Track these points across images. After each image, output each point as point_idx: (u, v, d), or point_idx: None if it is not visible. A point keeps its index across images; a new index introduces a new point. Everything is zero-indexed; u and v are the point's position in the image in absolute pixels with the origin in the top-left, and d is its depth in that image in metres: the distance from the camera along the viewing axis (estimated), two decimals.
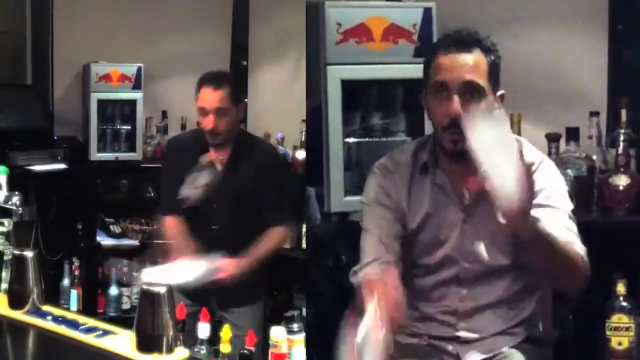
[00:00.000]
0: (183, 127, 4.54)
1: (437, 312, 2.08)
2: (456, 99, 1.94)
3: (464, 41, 1.99)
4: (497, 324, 2.06)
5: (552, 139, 2.83)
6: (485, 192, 1.81)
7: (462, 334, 2.06)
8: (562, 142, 2.86)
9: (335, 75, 3.00)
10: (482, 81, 1.95)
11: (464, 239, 2.03)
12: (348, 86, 3.02)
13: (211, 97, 2.94)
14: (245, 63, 4.82)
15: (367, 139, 3.11)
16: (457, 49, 1.98)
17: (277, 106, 4.57)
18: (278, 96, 4.60)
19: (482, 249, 2.02)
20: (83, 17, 4.55)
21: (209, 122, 2.93)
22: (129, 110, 4.64)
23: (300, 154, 4.05)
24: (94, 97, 4.51)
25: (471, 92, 1.94)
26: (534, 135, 2.80)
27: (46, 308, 2.07)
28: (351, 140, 3.08)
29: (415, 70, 2.84)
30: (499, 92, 2.01)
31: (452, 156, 2.01)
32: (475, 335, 2.05)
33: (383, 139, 3.10)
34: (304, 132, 4.05)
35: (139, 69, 4.56)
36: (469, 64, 1.96)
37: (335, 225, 3.03)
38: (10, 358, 1.90)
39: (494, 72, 1.99)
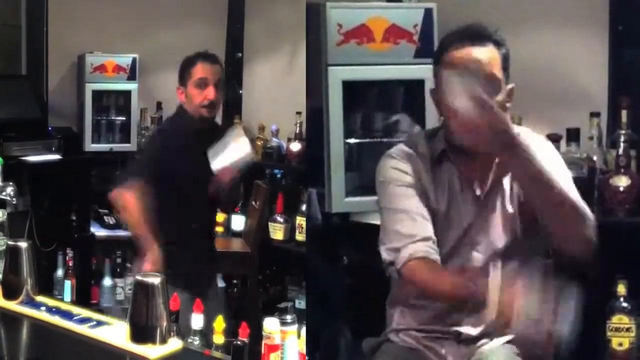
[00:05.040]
0: None
1: (443, 305, 2.06)
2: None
3: (477, 35, 2.00)
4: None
5: (553, 139, 2.77)
6: (499, 181, 2.02)
7: (465, 329, 2.06)
8: (563, 143, 2.85)
9: (337, 76, 3.02)
10: (499, 74, 1.96)
11: (476, 227, 2.05)
12: (349, 87, 3.04)
13: (212, 69, 2.96)
14: (240, 55, 4.82)
15: (368, 140, 3.11)
16: (472, 43, 1.98)
17: (271, 98, 4.57)
18: (272, 88, 4.60)
19: (493, 238, 2.04)
20: (78, 8, 4.54)
21: (210, 93, 2.92)
22: (123, 101, 4.65)
23: (295, 146, 4.06)
24: (89, 88, 4.52)
25: (489, 86, 1.90)
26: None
27: (40, 299, 2.07)
28: (352, 140, 3.09)
29: (416, 71, 3.05)
30: (510, 85, 2.00)
31: (466, 152, 2.00)
32: (477, 330, 2.05)
33: (384, 139, 3.08)
34: (298, 124, 4.06)
35: (134, 59, 4.56)
36: (486, 57, 1.96)
37: (336, 225, 3.07)
38: (4, 348, 1.90)
39: (505, 65, 2.00)
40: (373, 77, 3.09)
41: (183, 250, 2.90)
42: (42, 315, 1.96)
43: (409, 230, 1.99)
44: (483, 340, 2.06)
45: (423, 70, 2.96)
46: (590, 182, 2.77)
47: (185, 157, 2.88)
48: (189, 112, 2.98)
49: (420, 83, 3.05)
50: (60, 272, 4.23)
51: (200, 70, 2.95)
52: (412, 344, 2.11)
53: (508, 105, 2.00)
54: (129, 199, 2.80)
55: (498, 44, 2.00)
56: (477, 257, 2.05)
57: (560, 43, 3.17)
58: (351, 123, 3.10)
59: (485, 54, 1.97)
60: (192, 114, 2.96)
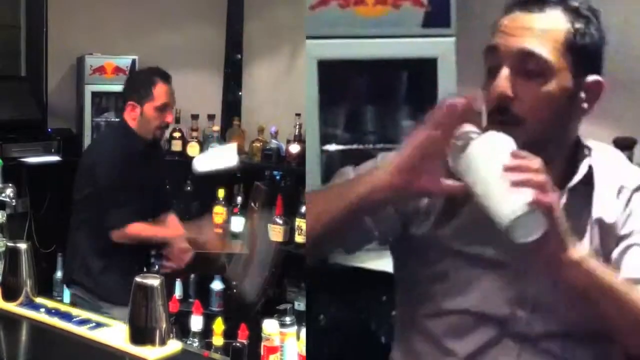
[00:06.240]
0: (177, 119, 4.54)
1: None
2: (505, 73, 1.42)
3: None
4: None
5: (624, 145, 2.13)
6: None
7: None
8: (639, 149, 2.21)
9: (309, 53, 2.28)
10: (547, 52, 1.41)
11: None
12: (328, 70, 2.26)
13: (170, 91, 3.03)
14: (239, 57, 4.82)
15: (355, 146, 2.38)
16: (522, 9, 1.45)
17: (271, 100, 4.57)
18: (272, 90, 4.60)
19: None
20: (77, 9, 4.54)
21: (170, 117, 3.02)
22: (123, 102, 4.63)
23: (294, 148, 4.06)
24: (88, 90, 4.50)
25: (528, 67, 1.42)
26: (598, 139, 1.78)
27: (39, 300, 2.07)
28: (332, 147, 2.39)
29: (424, 47, 2.15)
30: (590, 78, 1.46)
31: None
32: None
33: (378, 145, 2.30)
34: (297, 126, 4.06)
35: (134, 61, 4.55)
36: (533, 27, 1.43)
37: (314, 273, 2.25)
38: (3, 350, 1.90)
39: (577, 46, 1.43)
40: (362, 55, 2.26)
41: (124, 270, 2.91)
42: (42, 316, 1.97)
43: None
44: None
45: (435, 46, 2.18)
46: None
47: (137, 180, 2.96)
48: (135, 131, 3.02)
49: (430, 63, 2.19)
50: (59, 274, 4.22)
51: (163, 94, 3.00)
52: None
53: (584, 105, 1.48)
54: (134, 228, 2.89)
55: (573, 12, 1.45)
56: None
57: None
58: (331, 122, 2.37)
59: (535, 22, 1.43)
60: (143, 134, 3.02)
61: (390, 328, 1.79)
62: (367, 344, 1.77)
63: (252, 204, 4.15)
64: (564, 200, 1.48)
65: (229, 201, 4.39)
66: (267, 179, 4.38)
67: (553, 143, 1.49)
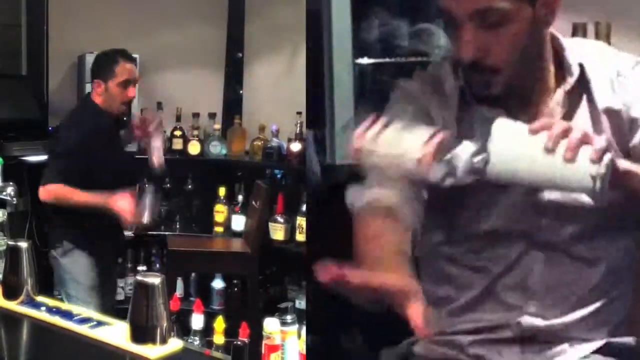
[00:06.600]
0: (178, 118, 4.54)
1: (498, 286, 1.56)
2: (469, 33, 1.42)
3: None
4: (573, 308, 1.55)
5: None
6: None
7: (526, 319, 1.55)
8: None
9: None
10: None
11: None
12: None
13: (133, 69, 3.31)
14: (240, 55, 4.82)
15: (388, 59, 2.27)
16: None
17: (272, 98, 4.57)
18: (273, 88, 4.60)
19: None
20: (78, 8, 4.54)
21: (132, 92, 3.27)
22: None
23: (295, 146, 4.06)
24: (89, 88, 4.50)
25: (488, 21, 1.41)
26: (630, 53, 1.71)
27: (40, 299, 2.07)
28: (365, 60, 2.30)
29: None
30: None
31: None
32: (542, 323, 1.55)
33: (412, 58, 2.17)
34: (298, 124, 4.06)
35: (134, 60, 4.55)
36: None
37: (342, 182, 2.13)
38: (4, 349, 1.90)
39: None
40: None
41: (92, 229, 3.24)
42: (43, 315, 1.96)
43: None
44: (560, 347, 1.55)
45: None
46: None
47: (103, 151, 3.21)
48: (100, 106, 3.27)
49: None
50: None
51: (125, 71, 3.27)
52: (451, 356, 1.60)
53: (548, 19, 1.46)
54: (59, 188, 3.14)
55: None
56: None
57: None
58: (364, 35, 2.27)
59: None
60: (109, 109, 3.27)
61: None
62: None
63: (253, 203, 4.15)
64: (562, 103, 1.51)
65: (230, 200, 4.39)
66: (268, 178, 4.39)
67: (534, 66, 1.50)
